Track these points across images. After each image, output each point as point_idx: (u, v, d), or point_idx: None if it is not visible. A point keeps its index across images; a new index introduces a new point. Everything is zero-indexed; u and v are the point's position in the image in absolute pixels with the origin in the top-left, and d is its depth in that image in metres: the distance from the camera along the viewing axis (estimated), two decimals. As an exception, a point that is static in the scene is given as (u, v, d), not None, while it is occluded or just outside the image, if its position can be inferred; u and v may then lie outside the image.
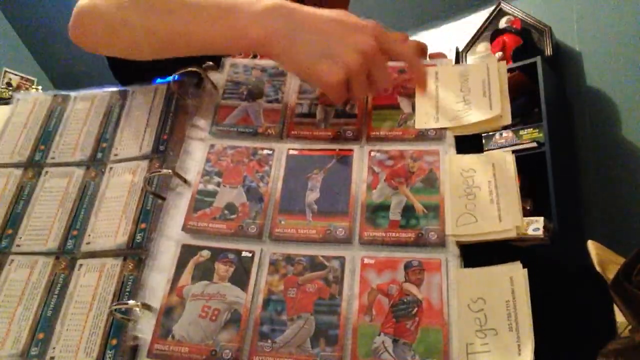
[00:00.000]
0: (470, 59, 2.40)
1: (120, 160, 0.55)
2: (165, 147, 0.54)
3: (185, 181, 0.50)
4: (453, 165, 0.46)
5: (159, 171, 0.50)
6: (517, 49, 2.11)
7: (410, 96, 0.52)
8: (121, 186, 0.52)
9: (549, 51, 2.16)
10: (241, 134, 0.53)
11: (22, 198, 0.54)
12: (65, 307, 0.46)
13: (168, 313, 0.42)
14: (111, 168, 0.54)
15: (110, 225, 0.50)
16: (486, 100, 0.49)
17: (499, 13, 2.36)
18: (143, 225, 0.49)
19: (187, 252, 0.45)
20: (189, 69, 0.55)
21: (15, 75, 3.34)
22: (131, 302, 0.43)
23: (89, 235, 0.50)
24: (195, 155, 0.52)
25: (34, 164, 0.56)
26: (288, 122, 0.53)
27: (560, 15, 2.26)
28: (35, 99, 0.62)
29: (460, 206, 0.45)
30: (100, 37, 0.57)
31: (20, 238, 0.51)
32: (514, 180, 0.45)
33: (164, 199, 0.50)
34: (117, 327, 0.43)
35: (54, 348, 0.44)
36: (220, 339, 0.40)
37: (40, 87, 3.37)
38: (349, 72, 0.44)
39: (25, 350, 0.44)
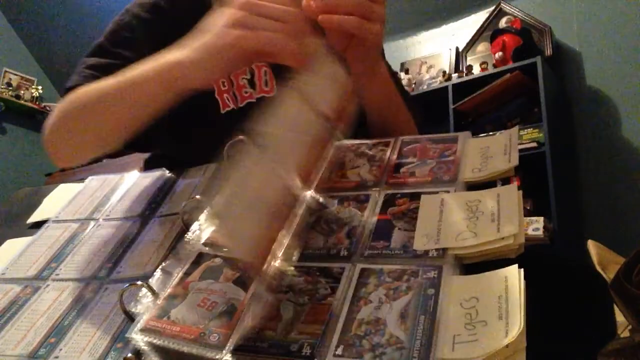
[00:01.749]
0: (470, 58, 2.40)
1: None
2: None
3: None
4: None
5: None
6: (517, 49, 2.11)
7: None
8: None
9: (549, 51, 2.16)
10: None
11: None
12: (83, 318, 0.48)
13: (169, 299, 0.44)
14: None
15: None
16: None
17: (499, 13, 2.36)
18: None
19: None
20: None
21: (15, 75, 3.34)
22: (139, 282, 0.45)
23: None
24: None
25: None
26: None
27: (560, 15, 2.26)
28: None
29: (462, 227, 0.46)
30: (71, 155, 0.68)
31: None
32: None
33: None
34: (125, 332, 0.45)
35: (60, 349, 0.45)
36: (212, 324, 0.42)
37: (40, 87, 3.38)
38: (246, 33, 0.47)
39: (34, 351, 0.46)
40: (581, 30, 2.22)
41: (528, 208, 1.97)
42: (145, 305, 0.45)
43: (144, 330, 0.42)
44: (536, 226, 1.77)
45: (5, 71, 3.29)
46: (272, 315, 0.42)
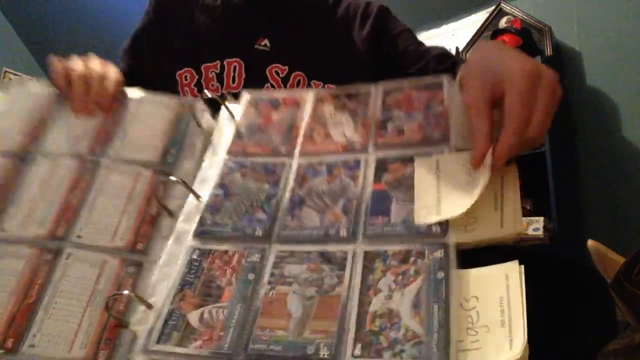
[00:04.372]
0: (470, 59, 2.40)
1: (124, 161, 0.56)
2: (174, 160, 0.57)
3: (197, 196, 0.53)
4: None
5: (169, 178, 0.52)
6: (517, 49, 2.11)
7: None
8: (120, 189, 0.53)
9: (549, 51, 2.16)
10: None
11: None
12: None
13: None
14: (109, 166, 0.55)
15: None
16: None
17: (499, 13, 2.36)
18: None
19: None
20: (209, 95, 0.59)
21: (15, 75, 3.34)
22: (125, 292, 0.45)
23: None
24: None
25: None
26: None
27: (560, 15, 2.26)
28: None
29: (462, 204, 0.44)
30: None
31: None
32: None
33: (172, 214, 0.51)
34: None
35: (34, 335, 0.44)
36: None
37: (40, 87, 3.37)
38: None
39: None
40: (581, 30, 2.21)
41: (528, 208, 1.96)
42: (139, 318, 0.43)
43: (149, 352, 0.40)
44: (536, 226, 1.77)
45: (5, 71, 3.29)
46: (280, 312, 0.41)
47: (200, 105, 0.62)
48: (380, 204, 0.47)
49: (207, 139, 0.59)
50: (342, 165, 0.52)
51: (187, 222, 0.50)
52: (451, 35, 2.56)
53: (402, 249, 0.43)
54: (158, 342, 0.41)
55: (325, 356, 0.38)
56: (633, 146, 2.02)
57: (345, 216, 0.47)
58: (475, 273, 0.40)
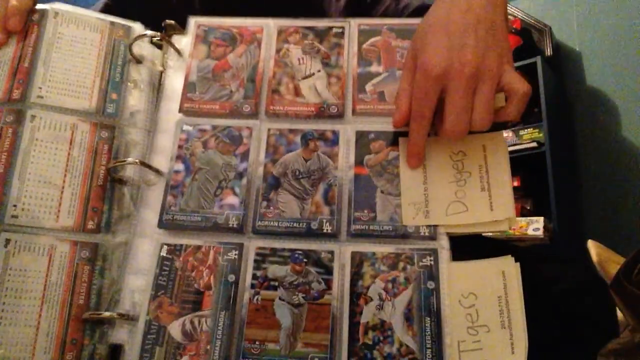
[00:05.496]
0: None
1: (50, 108, 0.45)
2: (115, 111, 0.47)
3: (157, 171, 0.46)
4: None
5: (124, 161, 0.45)
6: (517, 49, 2.11)
7: None
8: (56, 146, 0.44)
9: (549, 51, 2.16)
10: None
11: None
12: None
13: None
14: (34, 116, 0.44)
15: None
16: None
17: (499, 13, 2.36)
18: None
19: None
20: (148, 32, 0.50)
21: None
22: (106, 313, 0.40)
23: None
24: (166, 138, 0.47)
25: None
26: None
27: (560, 15, 2.26)
28: None
29: (450, 194, 0.43)
30: None
31: None
32: (506, 165, 0.42)
33: (124, 183, 0.45)
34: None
35: None
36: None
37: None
38: None
39: None
40: (581, 30, 2.21)
41: (528, 208, 1.96)
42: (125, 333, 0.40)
43: None
44: (536, 226, 1.77)
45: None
46: (270, 323, 0.39)
47: (138, 28, 0.51)
48: (364, 194, 0.44)
49: (153, 77, 0.50)
50: (319, 137, 0.46)
51: (147, 207, 0.44)
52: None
53: (390, 251, 0.41)
54: None
55: None
56: (633, 146, 2.02)
57: (327, 207, 0.43)
58: (471, 266, 0.40)
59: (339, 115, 0.47)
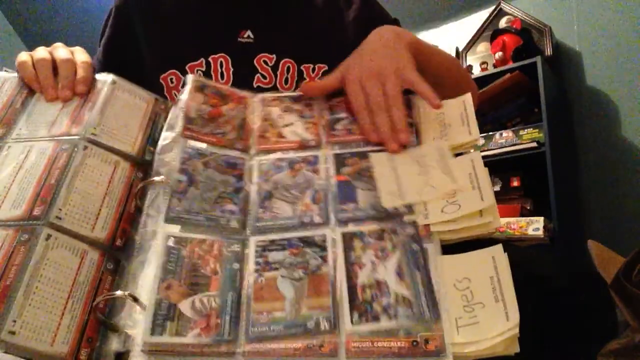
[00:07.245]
0: (470, 58, 2.40)
1: (98, 144, 0.52)
2: (151, 158, 0.54)
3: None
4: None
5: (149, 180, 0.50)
6: (517, 49, 2.11)
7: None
8: (99, 175, 0.50)
9: (549, 51, 2.16)
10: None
11: None
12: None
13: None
14: (86, 147, 0.51)
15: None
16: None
17: (499, 13, 2.36)
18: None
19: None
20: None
21: (16, 75, 3.34)
22: (118, 292, 0.42)
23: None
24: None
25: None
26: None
27: (560, 15, 2.26)
28: None
29: (419, 181, 0.51)
30: None
31: None
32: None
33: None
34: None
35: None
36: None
37: (40, 87, 3.37)
38: None
39: None
40: (581, 30, 2.22)
41: (528, 208, 1.97)
42: (132, 320, 0.40)
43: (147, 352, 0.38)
44: (536, 226, 1.77)
45: (6, 71, 3.29)
46: (273, 296, 0.42)
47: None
48: (346, 192, 0.50)
49: None
50: (302, 160, 0.55)
51: (152, 208, 0.48)
52: (451, 35, 2.56)
53: (376, 228, 0.46)
54: (152, 334, 0.38)
55: (327, 328, 0.40)
56: (633, 146, 2.02)
57: (316, 205, 0.50)
58: (464, 258, 0.44)
59: (317, 146, 0.57)
